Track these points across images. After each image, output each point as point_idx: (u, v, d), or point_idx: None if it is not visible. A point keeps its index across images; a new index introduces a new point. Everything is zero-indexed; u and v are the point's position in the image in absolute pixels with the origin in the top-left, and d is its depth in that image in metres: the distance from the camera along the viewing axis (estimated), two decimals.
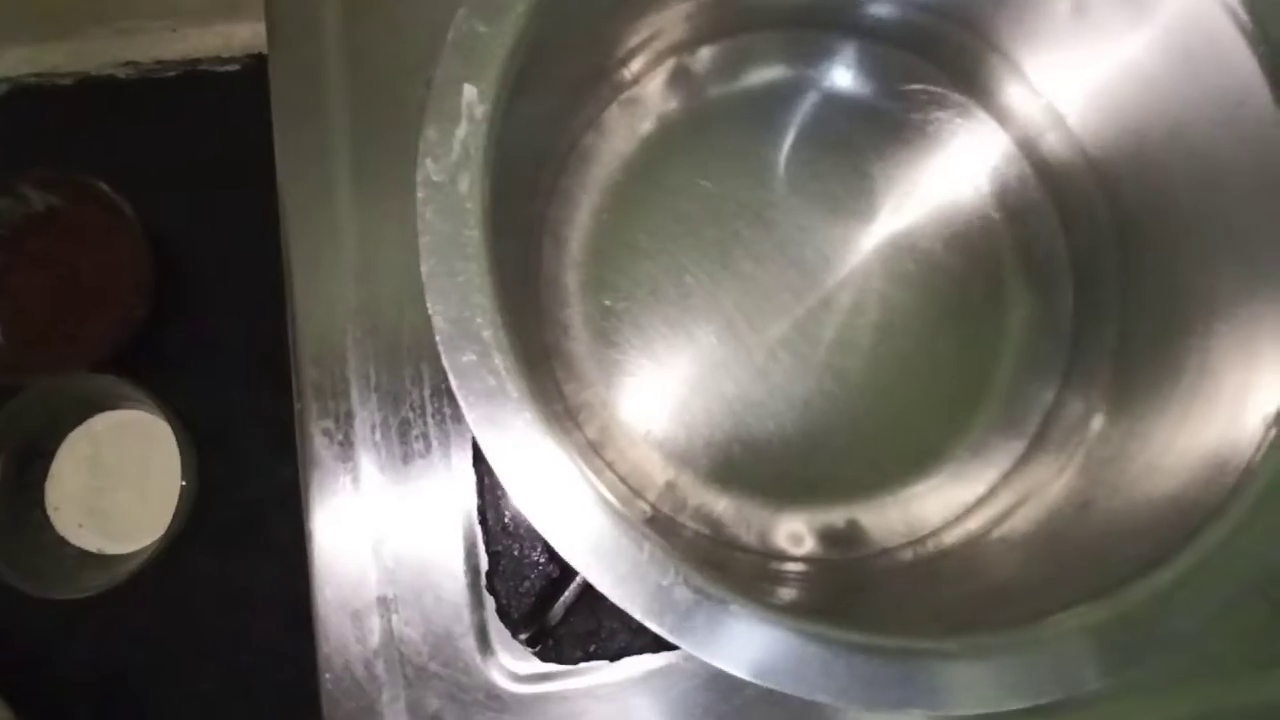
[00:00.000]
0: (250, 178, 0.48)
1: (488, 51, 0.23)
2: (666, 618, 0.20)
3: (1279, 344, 0.23)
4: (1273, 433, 0.22)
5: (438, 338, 0.21)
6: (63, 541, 0.56)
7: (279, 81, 0.41)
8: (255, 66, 0.66)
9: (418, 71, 0.40)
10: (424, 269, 0.21)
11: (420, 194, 0.22)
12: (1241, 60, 0.25)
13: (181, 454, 0.54)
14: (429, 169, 0.22)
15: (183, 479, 0.54)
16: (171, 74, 0.66)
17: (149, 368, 0.57)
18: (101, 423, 0.57)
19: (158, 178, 0.62)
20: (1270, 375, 0.23)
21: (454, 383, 0.21)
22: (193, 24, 0.65)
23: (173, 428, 0.54)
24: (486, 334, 0.21)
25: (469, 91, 0.22)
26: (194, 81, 0.66)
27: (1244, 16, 0.25)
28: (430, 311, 0.21)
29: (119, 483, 0.57)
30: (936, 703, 0.21)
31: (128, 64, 0.65)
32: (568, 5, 0.25)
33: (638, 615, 0.20)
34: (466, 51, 0.22)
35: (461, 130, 0.22)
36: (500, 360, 0.21)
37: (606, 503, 0.21)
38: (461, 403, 0.21)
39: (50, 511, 0.56)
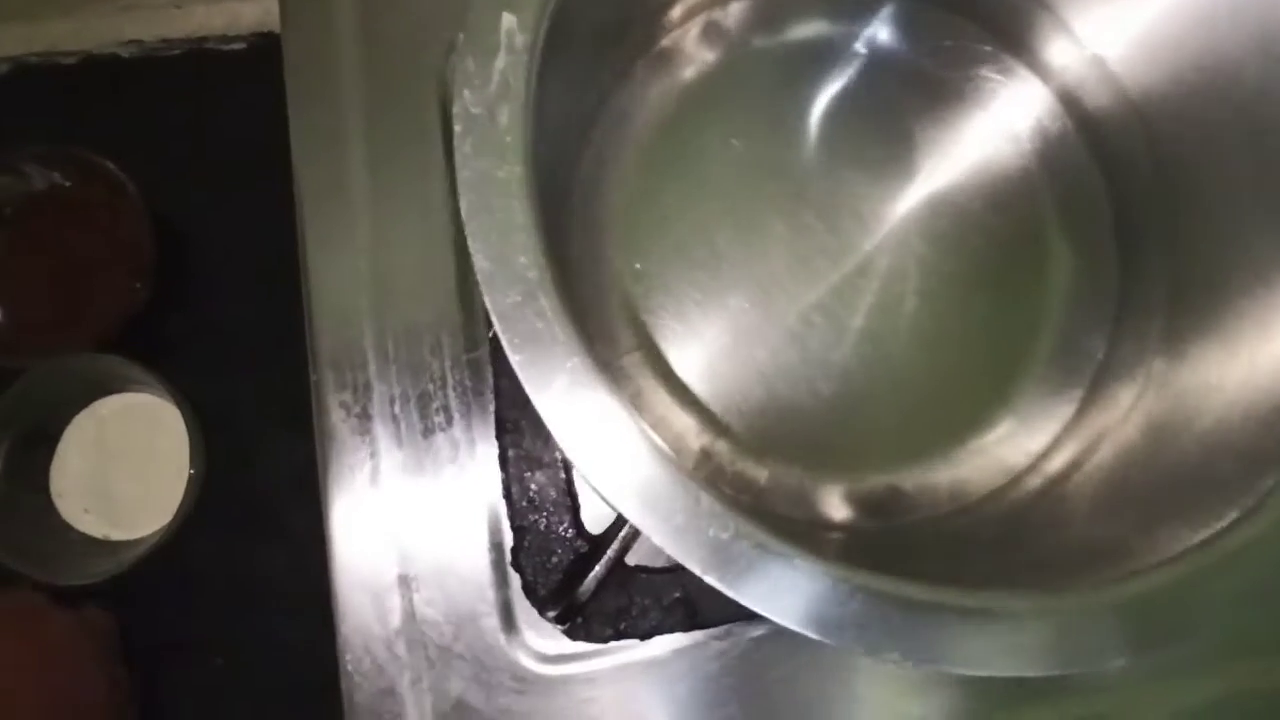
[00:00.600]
0: (257, 156, 0.47)
1: None
2: (724, 571, 0.19)
3: None
4: None
5: (479, 278, 0.20)
6: (67, 527, 0.55)
7: (292, 58, 0.40)
8: (262, 45, 0.64)
9: (433, 46, 0.39)
10: (463, 206, 0.20)
11: (458, 127, 0.21)
12: None
13: (189, 438, 0.53)
14: (466, 100, 0.20)
15: (191, 464, 0.52)
16: (176, 52, 0.65)
17: (154, 350, 0.56)
18: (107, 406, 0.56)
19: (162, 157, 0.61)
20: None
21: (498, 325, 0.19)
22: (198, 1, 0.64)
23: (181, 411, 0.53)
24: (532, 274, 0.20)
25: (508, 20, 0.21)
26: (199, 60, 0.65)
27: None
28: (471, 250, 0.20)
29: (125, 467, 0.55)
30: (1013, 665, 0.20)
31: (131, 42, 0.64)
32: None
33: (695, 569, 0.19)
34: None
35: (501, 61, 0.21)
36: (547, 302, 0.19)
37: (661, 452, 0.19)
38: (506, 346, 0.19)
39: (55, 497, 0.55)
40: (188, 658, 0.57)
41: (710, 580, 0.19)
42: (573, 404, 0.19)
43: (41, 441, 0.55)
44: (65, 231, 0.56)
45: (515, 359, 0.19)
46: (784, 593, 0.19)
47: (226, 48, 0.65)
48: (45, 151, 0.55)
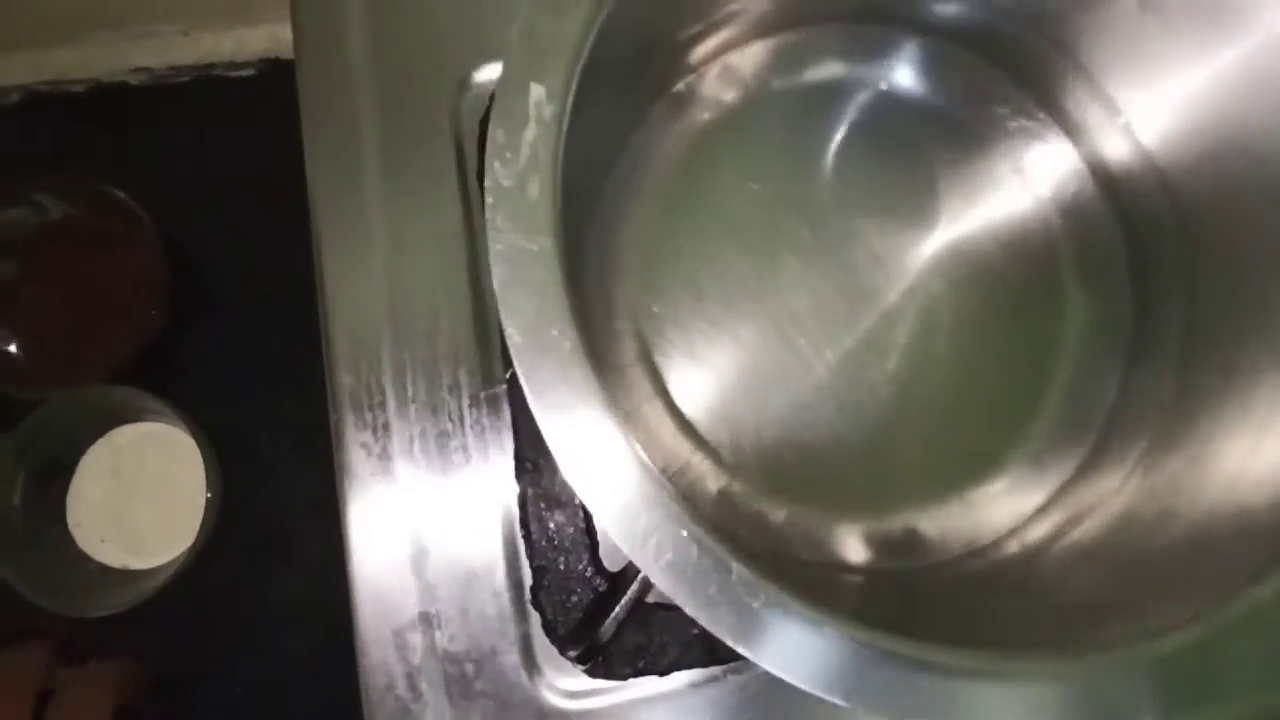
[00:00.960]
0: (267, 183, 0.48)
1: (556, 46, 0.22)
2: (755, 640, 0.19)
3: None
4: None
5: (512, 351, 0.20)
6: (85, 557, 0.55)
7: (306, 85, 0.40)
8: (270, 71, 0.65)
9: (446, 72, 0.39)
10: (495, 280, 0.20)
11: (489, 200, 0.21)
12: None
13: (205, 466, 0.53)
14: (498, 173, 0.21)
15: (207, 491, 0.53)
16: (184, 79, 0.65)
17: (168, 378, 0.56)
18: (122, 435, 0.56)
19: (171, 182, 0.61)
20: None
21: (530, 398, 0.20)
22: (206, 28, 0.64)
23: (195, 439, 0.53)
24: (565, 345, 0.20)
25: (537, 91, 0.21)
26: (207, 87, 0.65)
27: None
28: (503, 322, 0.20)
29: (142, 496, 0.56)
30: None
31: (140, 69, 0.64)
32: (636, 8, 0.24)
33: (728, 640, 0.19)
34: (533, 47, 0.21)
35: (530, 133, 0.21)
36: (579, 374, 0.20)
37: (695, 526, 0.20)
38: (539, 417, 0.20)
39: (72, 527, 0.55)
40: (208, 686, 0.57)
41: (741, 650, 0.19)
42: (605, 475, 0.20)
43: (58, 472, 0.55)
44: (80, 262, 0.56)
45: (547, 432, 0.20)
46: (811, 658, 0.20)
47: (234, 74, 0.65)
48: (59, 182, 0.56)
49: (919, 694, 0.20)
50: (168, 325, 0.56)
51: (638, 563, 0.19)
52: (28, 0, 0.56)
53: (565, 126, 0.22)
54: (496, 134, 0.21)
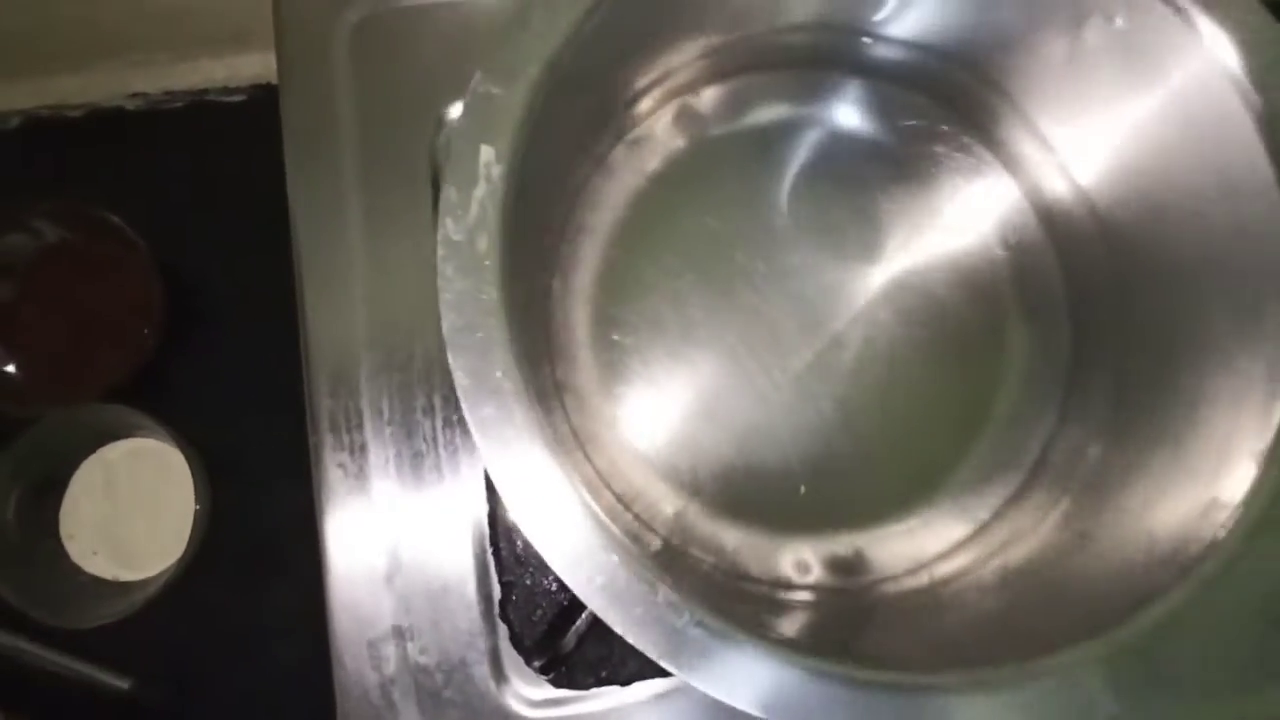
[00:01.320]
0: (258, 206, 0.49)
1: (503, 114, 0.24)
2: (681, 658, 0.21)
3: (1266, 390, 0.24)
4: (1260, 470, 0.23)
5: (459, 392, 0.22)
6: (78, 570, 0.57)
7: (290, 119, 0.42)
8: (261, 96, 0.66)
9: (424, 107, 0.41)
10: (444, 326, 0.22)
11: (441, 251, 0.23)
12: (1246, 137, 0.26)
13: (194, 480, 0.55)
14: (449, 228, 0.23)
15: (196, 504, 0.54)
16: (179, 104, 0.67)
17: (161, 396, 0.58)
18: (114, 451, 0.58)
19: (165, 204, 0.63)
20: (1258, 418, 0.24)
21: (475, 435, 0.22)
22: (199, 56, 0.66)
23: (185, 455, 0.55)
24: (507, 386, 0.22)
25: (486, 152, 0.23)
26: (201, 111, 0.67)
27: (1254, 96, 0.26)
28: (451, 366, 0.22)
29: (133, 510, 0.57)
30: None
31: (136, 95, 0.66)
32: (580, 60, 0.26)
33: (654, 656, 0.21)
34: (482, 114, 0.23)
35: (480, 190, 0.23)
36: (520, 414, 0.22)
37: (623, 548, 0.21)
38: (483, 453, 0.22)
39: (65, 540, 0.57)
40: (200, 693, 0.59)
41: (667, 666, 0.21)
42: (542, 505, 0.22)
43: (51, 487, 0.57)
44: (76, 285, 0.58)
45: (491, 467, 0.22)
46: (736, 676, 0.21)
47: (227, 99, 0.67)
48: (56, 207, 0.57)
49: (833, 708, 0.22)
50: (161, 345, 0.58)
51: (572, 587, 0.21)
52: (35, 31, 0.58)
53: (513, 184, 0.24)
54: (449, 192, 0.23)
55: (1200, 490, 0.26)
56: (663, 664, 0.21)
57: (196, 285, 0.62)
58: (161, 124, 0.66)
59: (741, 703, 0.22)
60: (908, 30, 0.33)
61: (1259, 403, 0.24)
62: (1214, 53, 0.26)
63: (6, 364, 0.58)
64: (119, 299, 0.58)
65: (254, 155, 0.51)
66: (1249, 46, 0.26)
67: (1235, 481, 0.24)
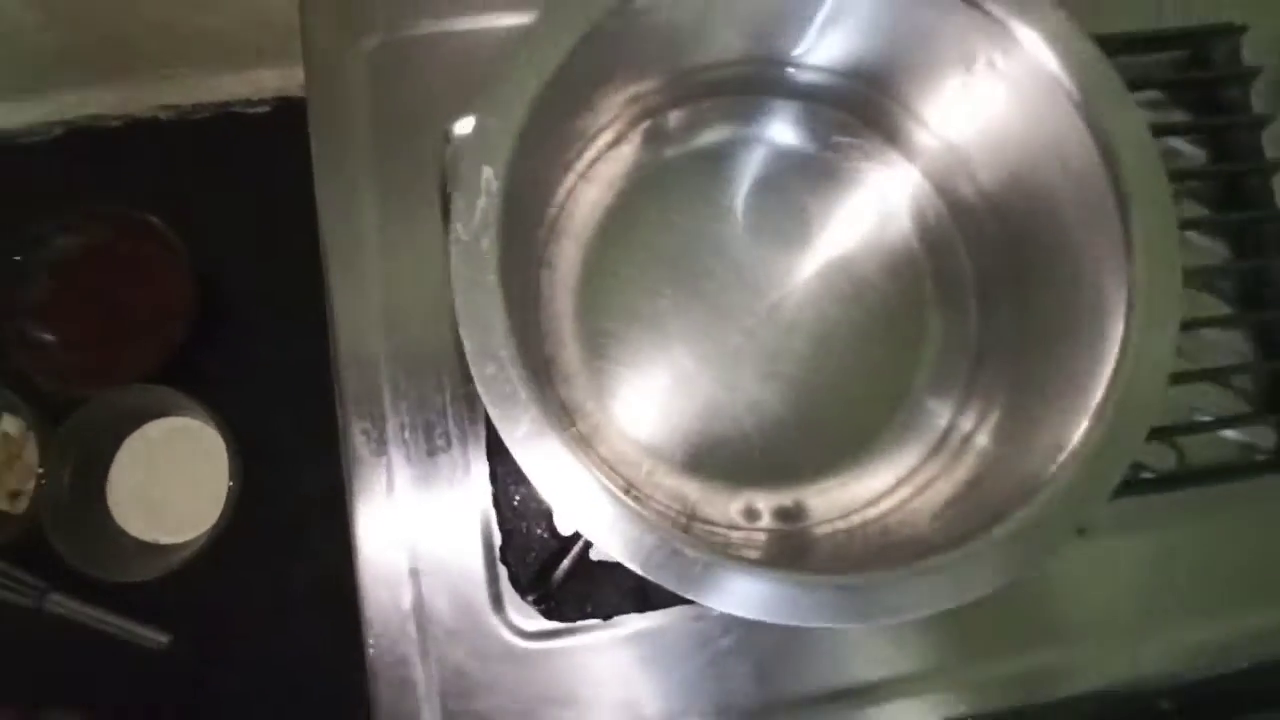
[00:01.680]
0: (279, 207, 0.55)
1: (499, 141, 0.30)
2: (672, 577, 0.28)
3: (1084, 385, 0.31)
4: (1090, 422, 0.30)
5: (468, 356, 0.28)
6: (121, 532, 0.63)
7: (316, 131, 0.47)
8: (283, 108, 0.73)
9: (432, 121, 0.46)
10: (457, 305, 0.29)
11: (453, 249, 0.29)
12: (1073, 125, 0.33)
13: (228, 455, 0.61)
14: (459, 230, 0.29)
15: (230, 477, 0.61)
16: (207, 115, 0.73)
17: (194, 382, 0.63)
18: (155, 429, 0.65)
19: (196, 208, 0.68)
20: (1078, 410, 0.31)
21: (480, 389, 0.28)
22: (226, 71, 0.72)
23: (220, 432, 0.61)
24: (503, 353, 0.28)
25: (486, 171, 0.30)
26: (227, 122, 0.73)
27: (1076, 95, 0.33)
28: (461, 335, 0.28)
29: (171, 480, 0.64)
30: (886, 614, 0.29)
31: (169, 106, 0.72)
32: (559, 95, 0.33)
33: (649, 575, 0.28)
34: (483, 141, 0.30)
35: (482, 201, 0.29)
36: (514, 372, 0.28)
37: (616, 496, 0.28)
38: (487, 406, 0.28)
39: (111, 506, 0.63)
40: (229, 659, 0.64)
41: (666, 585, 0.27)
42: (534, 449, 0.28)
43: (100, 459, 0.64)
44: (117, 280, 0.64)
45: (493, 413, 0.28)
46: (719, 589, 0.28)
47: (251, 110, 0.73)
48: (101, 211, 0.64)
49: (795, 603, 0.28)
50: (192, 337, 0.64)
51: (585, 532, 0.27)
52: (80, 51, 0.64)
53: (508, 196, 0.30)
54: (458, 201, 0.30)
55: (1049, 448, 0.32)
56: (662, 583, 0.28)
57: (225, 282, 0.68)
58: (192, 132, 0.72)
59: (732, 607, 0.28)
60: (826, 60, 0.40)
61: (1080, 396, 0.31)
62: (1055, 74, 0.33)
63: (54, 350, 0.64)
64: (155, 293, 0.64)
65: (276, 161, 0.57)
66: (1078, 70, 0.33)
67: (1069, 443, 0.30)
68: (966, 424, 0.40)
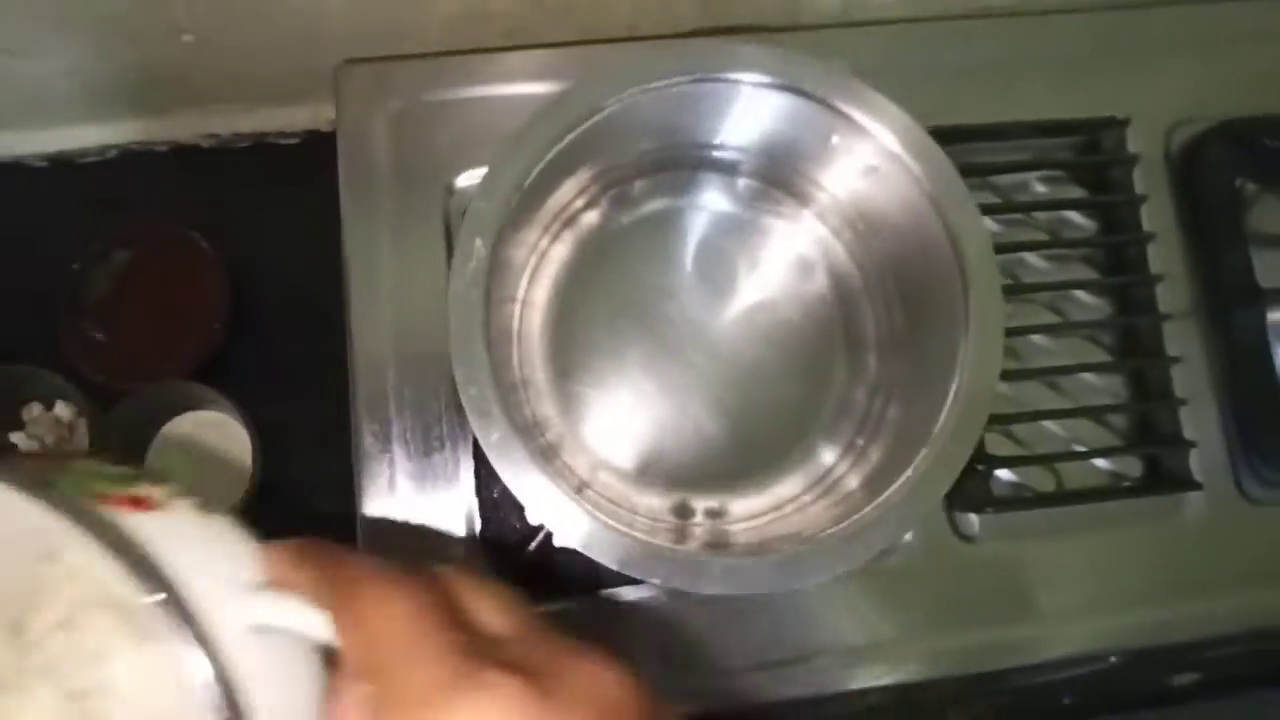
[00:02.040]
0: (307, 228, 0.63)
1: (489, 217, 0.40)
2: (616, 559, 0.38)
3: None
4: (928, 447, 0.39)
5: (456, 381, 0.38)
6: None
7: (346, 176, 0.56)
8: (312, 141, 0.80)
9: (439, 175, 0.56)
10: (450, 340, 0.38)
11: (450, 297, 0.39)
12: (922, 204, 0.43)
13: (251, 445, 0.70)
14: (455, 283, 0.39)
15: (253, 465, 0.69)
16: (245, 144, 0.81)
17: (224, 379, 0.72)
18: (188, 420, 0.73)
19: (230, 225, 0.75)
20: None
21: (465, 406, 0.37)
22: (263, 106, 0.80)
23: (245, 425, 0.70)
24: (483, 377, 0.38)
25: (478, 240, 0.39)
26: (262, 150, 0.81)
27: (927, 186, 0.43)
28: (453, 364, 0.38)
29: (202, 464, 0.73)
30: (785, 582, 0.39)
31: (211, 135, 0.81)
32: (537, 180, 0.42)
33: (598, 558, 0.37)
34: (476, 217, 0.39)
35: (473, 264, 0.39)
36: (491, 393, 0.38)
37: (570, 494, 0.38)
38: (470, 419, 0.37)
39: None
40: None
41: (631, 574, 0.37)
42: (505, 454, 0.37)
43: (141, 443, 0.73)
44: (161, 288, 0.73)
45: (474, 425, 0.37)
46: (664, 571, 0.38)
47: (284, 142, 0.82)
48: (148, 225, 0.73)
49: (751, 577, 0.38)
50: (226, 339, 0.73)
51: (553, 530, 0.37)
52: (133, 84, 0.73)
53: (495, 258, 0.40)
54: (456, 262, 0.39)
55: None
56: (624, 570, 0.37)
57: (257, 291, 0.76)
58: (230, 159, 0.81)
59: (663, 583, 0.38)
60: (742, 143, 0.50)
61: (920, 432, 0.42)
62: (913, 168, 0.44)
63: (107, 348, 0.73)
64: (194, 300, 0.73)
65: (305, 188, 0.65)
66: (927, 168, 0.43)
67: (917, 455, 0.40)
68: (842, 467, 0.50)
